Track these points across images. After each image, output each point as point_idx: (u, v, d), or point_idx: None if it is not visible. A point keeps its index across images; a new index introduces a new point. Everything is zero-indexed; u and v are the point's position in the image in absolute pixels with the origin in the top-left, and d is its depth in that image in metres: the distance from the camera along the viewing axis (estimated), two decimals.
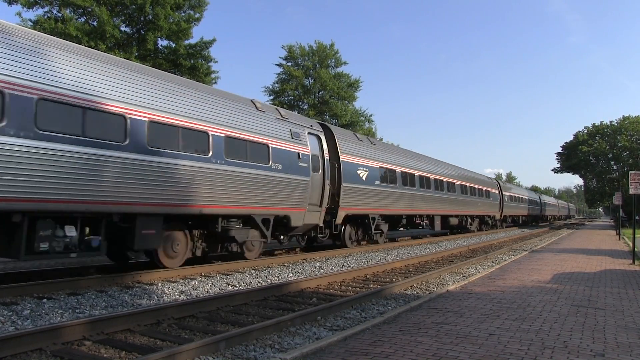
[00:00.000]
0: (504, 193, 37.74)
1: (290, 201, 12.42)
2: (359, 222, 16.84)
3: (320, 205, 13.81)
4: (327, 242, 16.24)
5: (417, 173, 20.67)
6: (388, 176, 18.00)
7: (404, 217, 20.11)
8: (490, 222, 35.10)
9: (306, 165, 13.00)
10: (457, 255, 16.46)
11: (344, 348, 4.91)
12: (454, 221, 25.99)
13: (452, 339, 5.23)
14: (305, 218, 13.09)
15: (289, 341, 5.46)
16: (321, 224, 14.05)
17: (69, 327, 5.27)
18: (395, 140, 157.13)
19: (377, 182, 16.96)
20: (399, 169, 18.94)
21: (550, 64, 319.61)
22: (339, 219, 14.77)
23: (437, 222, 23.23)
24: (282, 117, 12.77)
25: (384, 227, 18.21)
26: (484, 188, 32.45)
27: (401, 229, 21.63)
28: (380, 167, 17.38)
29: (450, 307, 6.99)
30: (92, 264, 11.01)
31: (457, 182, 26.49)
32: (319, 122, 15.29)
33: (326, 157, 14.26)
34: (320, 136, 14.30)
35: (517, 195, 44.69)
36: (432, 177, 22.40)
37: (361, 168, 16.00)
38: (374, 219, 16.94)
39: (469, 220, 29.64)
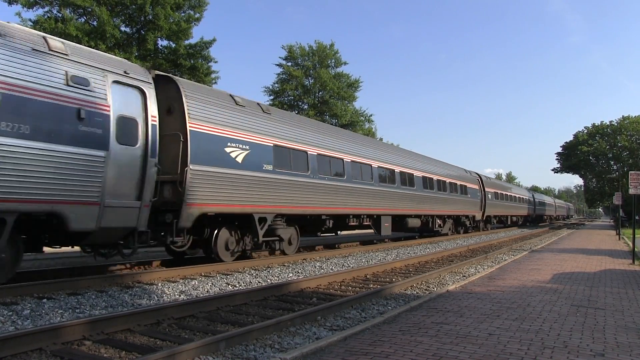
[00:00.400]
0: (486, 189, 32.36)
1: (60, 190, 7.81)
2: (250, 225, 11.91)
3: (140, 199, 9.16)
4: (199, 253, 12.27)
5: (347, 158, 15.77)
6: (292, 160, 13.13)
7: (325, 217, 14.96)
8: (468, 223, 29.35)
9: (100, 131, 8.43)
10: (457, 255, 16.47)
11: (344, 348, 4.91)
12: (414, 222, 21.05)
13: (452, 338, 5.24)
14: (103, 218, 8.49)
15: (289, 341, 5.47)
16: (143, 228, 9.28)
17: (69, 327, 5.27)
18: (395, 140, 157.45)
19: (268, 168, 12.12)
20: (312, 151, 13.94)
21: (550, 64, 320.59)
22: (185, 221, 9.97)
23: (386, 225, 18.14)
24: (50, 49, 7.95)
25: (285, 231, 13.17)
26: (459, 182, 26.92)
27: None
28: (276, 145, 12.50)
29: (450, 307, 6.99)
30: (93, 264, 11.01)
31: (418, 174, 21.43)
32: (157, 73, 10.45)
33: (152, 122, 9.41)
34: (145, 89, 9.42)
35: (503, 193, 38.81)
36: (375, 165, 17.61)
37: (235, 145, 11.18)
38: (263, 220, 12.05)
39: (438, 221, 24.30)
